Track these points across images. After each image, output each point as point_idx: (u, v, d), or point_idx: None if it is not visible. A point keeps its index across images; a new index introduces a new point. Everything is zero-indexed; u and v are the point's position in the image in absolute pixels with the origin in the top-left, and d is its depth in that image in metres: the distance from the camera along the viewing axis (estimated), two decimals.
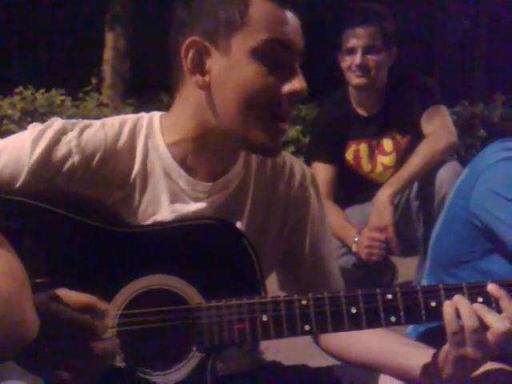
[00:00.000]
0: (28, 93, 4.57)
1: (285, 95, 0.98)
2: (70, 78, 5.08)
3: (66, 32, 7.84)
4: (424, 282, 1.73)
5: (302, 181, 1.13)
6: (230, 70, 0.98)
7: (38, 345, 0.76)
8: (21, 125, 4.26)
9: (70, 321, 0.84)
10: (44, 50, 7.86)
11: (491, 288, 0.95)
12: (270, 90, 0.98)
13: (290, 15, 1.00)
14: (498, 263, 1.50)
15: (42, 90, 4.65)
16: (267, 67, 0.97)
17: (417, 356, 1.01)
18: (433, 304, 0.95)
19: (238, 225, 1.06)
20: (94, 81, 5.29)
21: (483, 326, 0.92)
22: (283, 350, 0.96)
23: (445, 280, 1.61)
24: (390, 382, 1.04)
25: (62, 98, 4.66)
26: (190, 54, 0.99)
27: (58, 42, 7.94)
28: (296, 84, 0.98)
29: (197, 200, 1.05)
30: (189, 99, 1.03)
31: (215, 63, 0.99)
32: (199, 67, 0.99)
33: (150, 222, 1.03)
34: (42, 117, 4.42)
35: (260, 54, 0.97)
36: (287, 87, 0.98)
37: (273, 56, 0.97)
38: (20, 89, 4.59)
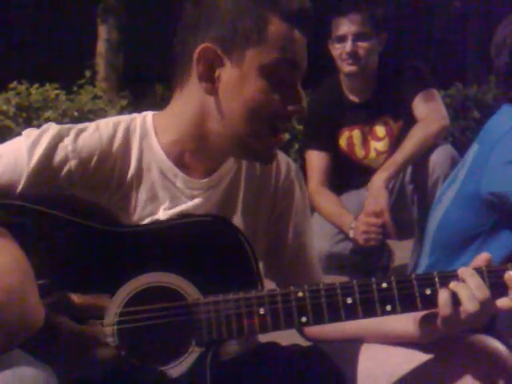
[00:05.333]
0: (22, 88, 4.55)
1: (286, 111, 1.03)
2: (63, 72, 5.07)
3: (58, 25, 7.81)
4: (424, 262, 1.76)
5: (287, 173, 1.17)
6: (238, 81, 1.02)
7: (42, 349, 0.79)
8: (16, 120, 4.26)
9: (71, 331, 0.88)
10: (36, 44, 7.82)
11: (461, 271, 0.97)
12: (272, 107, 1.02)
13: (300, 35, 1.03)
14: (505, 239, 1.53)
15: (37, 85, 4.64)
16: (273, 85, 1.02)
17: (401, 319, 1.03)
18: (428, 292, 0.97)
19: (233, 214, 1.10)
20: (87, 74, 5.28)
21: (456, 302, 0.95)
22: (278, 332, 0.99)
23: (448, 258, 1.63)
24: (374, 349, 1.08)
25: (57, 92, 4.64)
26: (203, 61, 1.02)
27: (51, 36, 7.90)
28: (297, 104, 1.04)
29: (193, 197, 1.08)
30: (192, 101, 1.05)
31: (225, 72, 1.02)
32: (209, 74, 1.02)
33: (147, 221, 1.05)
34: (37, 111, 4.42)
35: (269, 71, 1.01)
36: (290, 107, 1.04)
37: (280, 75, 1.02)
38: (14, 84, 4.58)
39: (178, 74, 1.06)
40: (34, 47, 7.79)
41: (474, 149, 1.65)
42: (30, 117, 4.33)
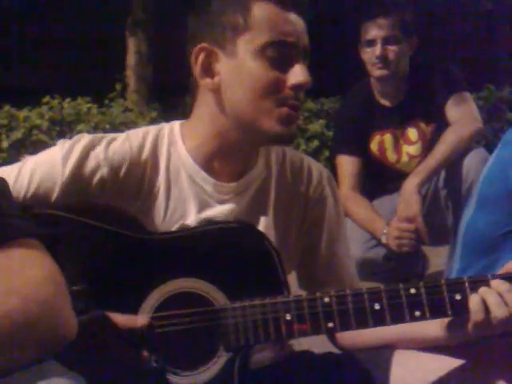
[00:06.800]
0: (55, 102, 4.64)
1: (289, 88, 1.03)
2: (95, 85, 5.15)
3: (89, 39, 7.95)
4: (455, 266, 1.73)
5: (319, 180, 1.16)
6: (236, 69, 1.04)
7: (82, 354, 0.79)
8: (50, 134, 4.33)
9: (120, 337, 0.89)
10: (68, 59, 7.98)
11: (494, 284, 0.95)
12: (274, 83, 1.03)
13: (292, 16, 1.04)
14: None
15: (69, 99, 4.72)
16: (271, 63, 1.03)
17: (434, 324, 1.01)
18: (458, 297, 0.95)
19: (263, 220, 1.09)
20: (118, 87, 5.35)
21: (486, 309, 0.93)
22: (309, 339, 0.98)
23: (480, 262, 1.60)
24: (406, 355, 1.06)
25: (89, 105, 4.72)
26: (200, 60, 1.06)
27: (81, 50, 8.05)
28: (299, 77, 1.03)
29: (222, 201, 1.09)
30: (203, 103, 1.09)
31: (223, 65, 1.05)
32: (208, 71, 1.06)
33: (177, 226, 1.06)
34: (69, 125, 4.49)
35: (262, 54, 1.03)
36: (291, 80, 1.03)
37: (275, 55, 1.03)
38: (47, 98, 4.67)
39: (190, 84, 1.10)
40: (65, 62, 7.94)
41: (496, 151, 1.62)
42: (63, 130, 4.40)
